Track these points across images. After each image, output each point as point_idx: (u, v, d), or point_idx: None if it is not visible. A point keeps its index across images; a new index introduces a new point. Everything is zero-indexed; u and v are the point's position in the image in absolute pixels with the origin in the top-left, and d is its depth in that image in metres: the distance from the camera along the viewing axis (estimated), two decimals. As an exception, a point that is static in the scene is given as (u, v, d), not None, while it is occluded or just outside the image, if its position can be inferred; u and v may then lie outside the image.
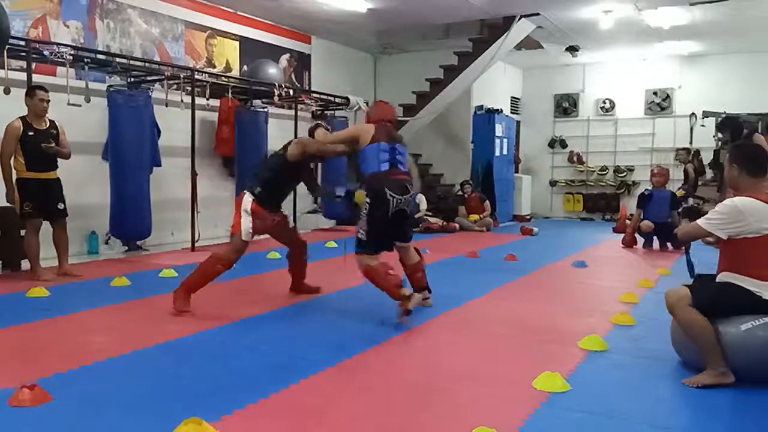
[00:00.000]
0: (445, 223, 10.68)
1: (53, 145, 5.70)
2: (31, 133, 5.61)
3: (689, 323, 3.12)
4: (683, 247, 3.66)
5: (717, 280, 3.27)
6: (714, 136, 11.69)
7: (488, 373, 3.35)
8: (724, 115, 8.05)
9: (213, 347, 3.75)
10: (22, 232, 5.83)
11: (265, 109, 9.01)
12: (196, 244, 7.80)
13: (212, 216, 8.77)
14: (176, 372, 3.30)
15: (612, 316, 4.45)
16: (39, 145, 5.61)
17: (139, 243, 7.78)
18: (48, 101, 5.71)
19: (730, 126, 8.01)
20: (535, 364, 3.35)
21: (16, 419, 2.63)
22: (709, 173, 11.70)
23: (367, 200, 4.34)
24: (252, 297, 5.33)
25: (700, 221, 3.22)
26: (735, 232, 3.10)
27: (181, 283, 4.62)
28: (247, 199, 4.62)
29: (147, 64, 7.66)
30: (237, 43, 9.69)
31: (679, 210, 8.50)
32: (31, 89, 5.75)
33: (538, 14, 9.83)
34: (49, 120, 5.79)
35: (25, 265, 5.99)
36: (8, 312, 4.52)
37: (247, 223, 4.58)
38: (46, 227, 5.85)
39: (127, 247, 7.70)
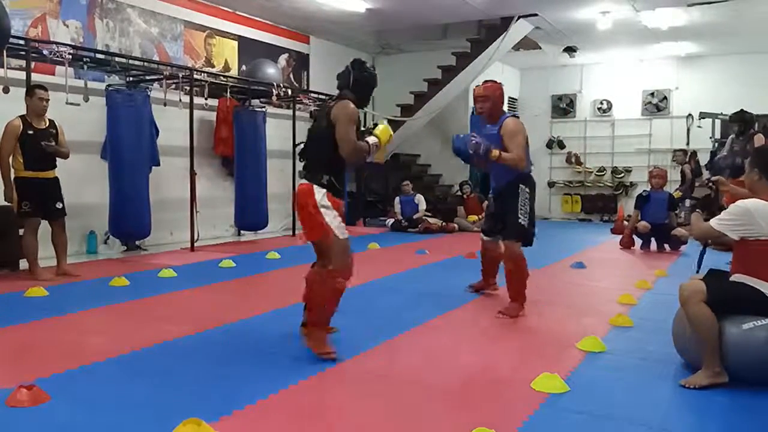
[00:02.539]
0: (443, 223, 10.68)
1: (53, 143, 5.70)
2: (30, 132, 5.61)
3: (699, 319, 3.12)
4: (702, 247, 3.65)
5: (731, 280, 3.28)
6: (710, 137, 11.73)
7: (487, 373, 3.36)
8: (739, 110, 8.11)
9: (212, 348, 3.74)
10: (21, 232, 5.82)
11: (264, 109, 9.02)
12: (195, 244, 7.80)
13: (211, 216, 8.78)
14: (175, 372, 3.30)
15: (610, 317, 4.45)
16: (38, 144, 5.60)
17: (138, 243, 7.78)
18: (48, 100, 5.71)
19: (743, 120, 8.02)
20: (533, 365, 3.36)
21: (14, 419, 2.63)
22: (705, 174, 11.72)
23: (527, 189, 4.57)
24: (251, 297, 5.33)
25: (712, 222, 3.23)
26: (746, 234, 3.12)
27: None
28: None
29: (146, 64, 7.66)
30: (236, 43, 9.69)
31: (680, 211, 8.50)
32: (31, 88, 5.75)
33: (536, 15, 9.85)
34: (49, 119, 5.79)
35: (24, 264, 5.97)
36: (6, 312, 4.51)
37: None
38: (44, 227, 5.85)
39: (126, 247, 7.70)
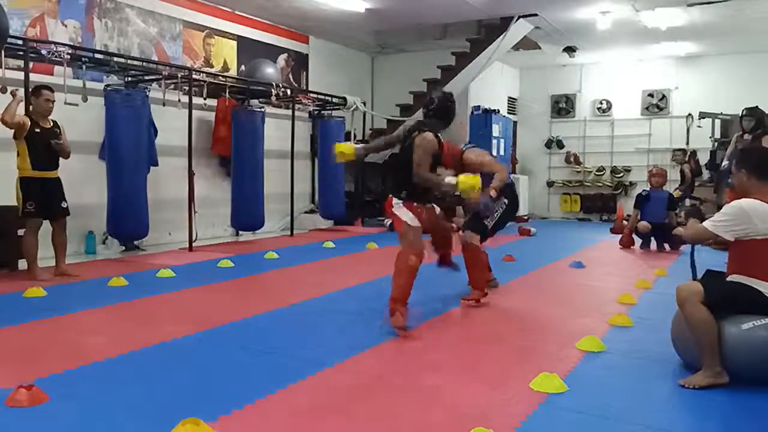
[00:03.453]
0: (442, 223, 10.65)
1: (61, 142, 5.71)
2: (38, 131, 5.62)
3: (696, 320, 3.11)
4: (690, 248, 3.65)
5: (728, 280, 3.27)
6: (710, 136, 11.72)
7: (485, 373, 3.35)
8: (754, 106, 8.10)
9: (211, 348, 3.74)
10: (20, 232, 5.81)
11: (263, 109, 9.01)
12: (194, 244, 7.79)
13: (209, 216, 8.77)
14: (174, 372, 3.29)
15: (610, 317, 4.45)
16: (45, 142, 5.62)
17: (136, 243, 7.77)
18: (53, 101, 5.73)
19: (755, 116, 7.99)
20: (532, 365, 3.36)
21: (12, 419, 2.63)
22: (705, 174, 11.73)
23: (505, 201, 5.19)
24: (249, 297, 5.33)
25: (706, 224, 3.21)
26: (742, 234, 3.11)
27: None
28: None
29: (144, 64, 7.65)
30: (235, 43, 9.68)
31: (679, 211, 8.49)
32: (37, 89, 5.75)
33: (535, 15, 9.85)
34: (52, 120, 5.80)
35: (23, 264, 5.97)
36: (5, 312, 4.50)
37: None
38: (44, 227, 5.83)
39: (124, 247, 7.69)
